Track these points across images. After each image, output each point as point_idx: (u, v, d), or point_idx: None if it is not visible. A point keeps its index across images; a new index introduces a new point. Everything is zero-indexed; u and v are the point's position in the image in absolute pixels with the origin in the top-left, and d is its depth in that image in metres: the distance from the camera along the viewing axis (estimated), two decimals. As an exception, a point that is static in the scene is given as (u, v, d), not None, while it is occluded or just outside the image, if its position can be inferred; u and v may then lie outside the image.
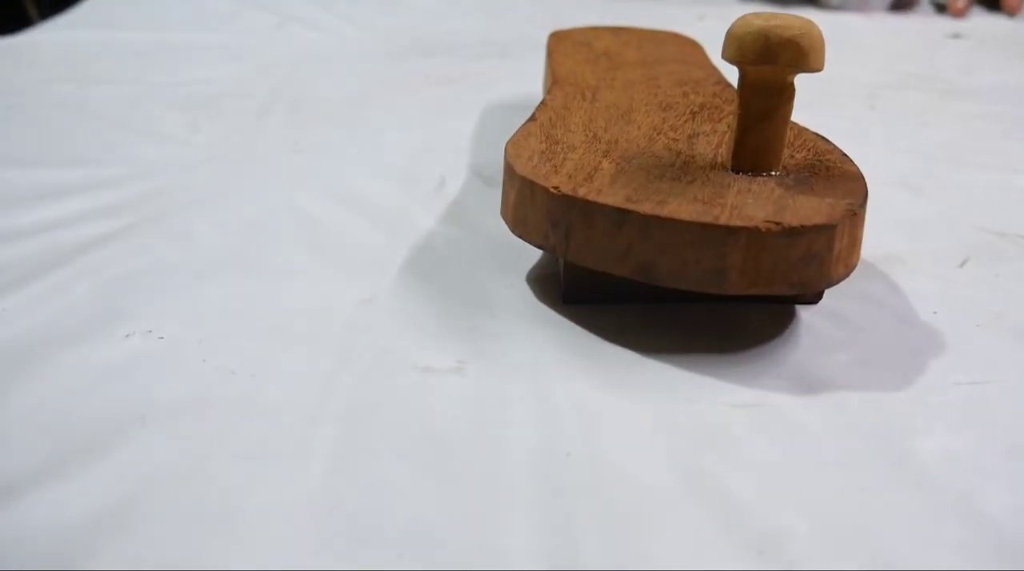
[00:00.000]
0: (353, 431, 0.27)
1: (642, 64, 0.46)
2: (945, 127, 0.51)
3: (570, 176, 0.31)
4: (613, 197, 0.29)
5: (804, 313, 0.33)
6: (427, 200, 0.42)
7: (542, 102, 0.39)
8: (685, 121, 0.37)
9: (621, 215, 0.29)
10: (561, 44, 0.51)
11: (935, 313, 0.33)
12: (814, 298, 0.33)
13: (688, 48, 0.50)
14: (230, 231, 0.39)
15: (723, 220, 0.28)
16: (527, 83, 0.52)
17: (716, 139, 0.35)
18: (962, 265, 0.36)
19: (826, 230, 0.28)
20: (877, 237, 0.36)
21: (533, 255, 0.37)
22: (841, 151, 0.34)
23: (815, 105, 0.53)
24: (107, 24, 0.71)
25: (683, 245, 0.28)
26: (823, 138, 0.35)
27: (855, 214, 0.29)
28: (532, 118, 0.37)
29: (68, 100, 0.54)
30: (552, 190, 0.30)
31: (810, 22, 0.30)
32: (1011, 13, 0.53)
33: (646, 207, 0.29)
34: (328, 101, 0.56)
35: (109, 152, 0.47)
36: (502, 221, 0.33)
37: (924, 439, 0.27)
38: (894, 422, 0.28)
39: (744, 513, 0.24)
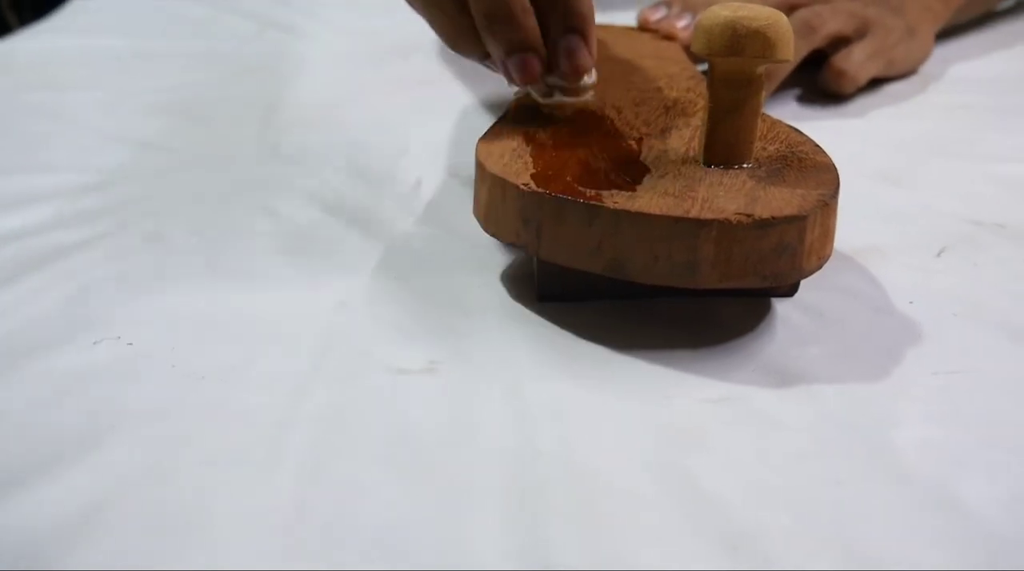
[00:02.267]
0: (324, 434, 0.27)
1: (616, 61, 0.46)
2: (922, 118, 0.51)
3: (541, 173, 0.31)
4: (583, 193, 0.29)
5: (779, 306, 0.33)
6: (403, 202, 0.42)
7: (514, 99, 0.39)
8: (658, 116, 0.36)
9: (591, 211, 0.29)
10: None
11: (911, 303, 0.33)
12: (789, 291, 0.33)
13: (663, 44, 0.50)
14: (204, 237, 0.38)
15: (694, 213, 0.28)
16: (505, 86, 0.51)
17: (689, 133, 0.34)
18: (939, 255, 0.36)
19: (797, 221, 0.28)
20: (853, 229, 0.35)
21: (509, 254, 0.36)
22: (814, 142, 0.34)
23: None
24: (85, 31, 0.71)
25: (654, 239, 0.28)
26: (796, 130, 0.35)
27: (827, 205, 0.29)
28: (503, 116, 0.37)
29: (42, 106, 0.54)
30: (522, 187, 0.30)
31: (777, 13, 0.29)
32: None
33: (616, 202, 0.28)
34: (306, 105, 0.55)
35: (83, 158, 0.47)
36: (478, 222, 0.32)
37: (901, 430, 0.27)
38: (871, 413, 0.27)
39: (719, 509, 0.24)
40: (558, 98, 0.36)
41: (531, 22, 0.35)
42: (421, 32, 0.68)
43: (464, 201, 0.41)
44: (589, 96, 0.37)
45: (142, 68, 0.62)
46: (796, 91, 0.54)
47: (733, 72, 0.30)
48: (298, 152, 0.48)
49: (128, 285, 0.34)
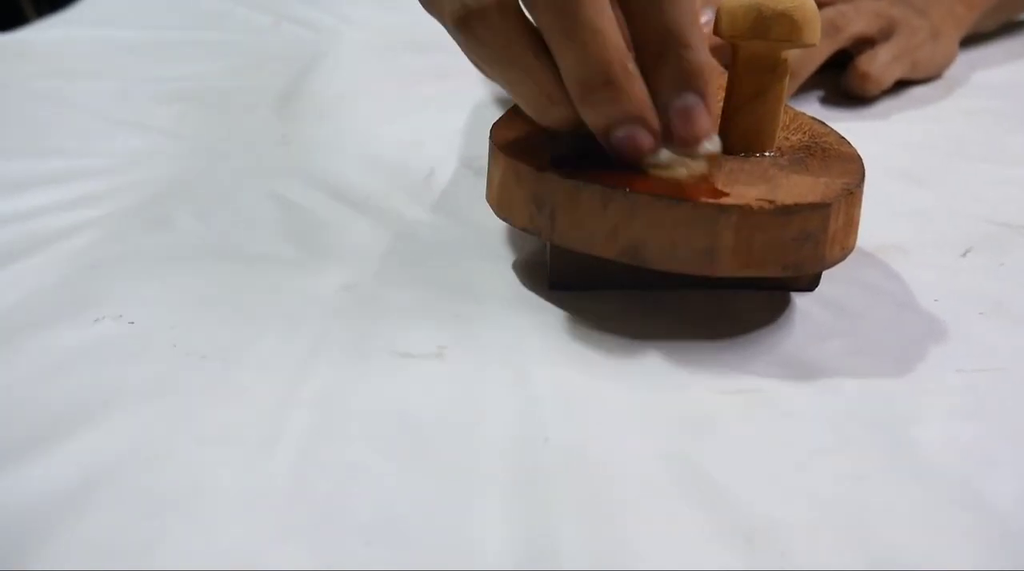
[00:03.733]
0: (325, 417, 0.26)
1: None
2: (949, 121, 0.50)
3: (556, 156, 0.30)
4: (599, 176, 0.28)
5: (799, 300, 0.32)
6: (415, 190, 0.41)
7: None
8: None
9: (607, 194, 0.28)
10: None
11: (936, 301, 0.32)
12: (810, 285, 0.32)
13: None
14: (211, 220, 0.38)
15: (714, 198, 0.27)
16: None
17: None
18: (964, 254, 0.35)
19: (821, 209, 0.27)
20: (876, 227, 0.34)
21: (521, 243, 0.36)
22: (838, 133, 0.33)
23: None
24: (101, 22, 0.71)
25: (672, 225, 0.27)
26: (819, 121, 0.34)
27: (851, 193, 0.28)
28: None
29: (54, 94, 0.54)
30: (537, 169, 0.29)
31: (805, -5, 0.29)
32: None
33: (633, 185, 0.28)
34: (319, 96, 0.55)
35: (91, 143, 0.46)
36: (490, 212, 0.32)
37: (924, 427, 0.26)
38: (893, 409, 0.26)
39: (733, 501, 0.23)
40: (672, 163, 0.29)
41: (637, 88, 0.28)
42: (440, 28, 0.68)
43: (477, 192, 0.41)
44: (704, 164, 0.29)
45: (155, 58, 0.61)
46: (819, 92, 0.54)
47: (757, 56, 0.29)
48: (309, 141, 0.47)
49: (131, 265, 0.34)
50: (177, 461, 0.24)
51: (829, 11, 0.51)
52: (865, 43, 0.52)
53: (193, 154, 0.45)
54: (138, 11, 0.73)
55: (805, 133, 0.33)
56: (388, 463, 0.24)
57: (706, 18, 0.51)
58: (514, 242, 0.36)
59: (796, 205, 0.27)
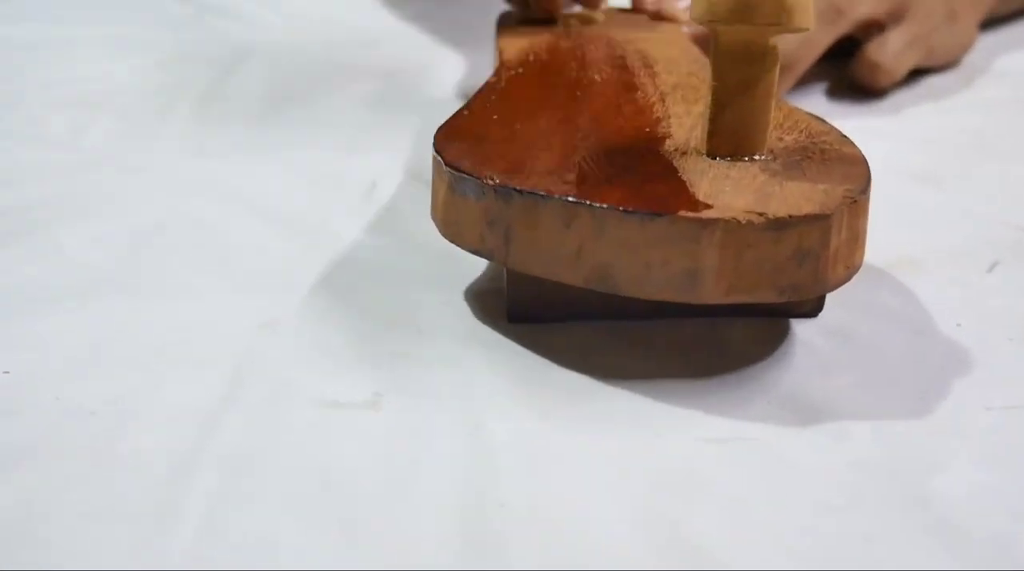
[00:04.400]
0: (234, 481, 0.25)
1: (606, 44, 0.44)
2: (965, 114, 0.50)
3: (510, 165, 0.29)
4: (560, 187, 0.27)
5: (799, 328, 0.31)
6: (353, 207, 0.40)
7: (484, 84, 0.37)
8: (653, 103, 0.35)
9: (569, 209, 0.27)
10: (512, 24, 0.49)
11: (958, 326, 0.31)
12: (811, 310, 0.31)
13: (661, 26, 0.49)
14: (109, 246, 0.37)
15: (694, 211, 0.26)
16: (478, 75, 0.50)
17: (690, 122, 0.33)
18: (990, 269, 0.35)
19: (820, 221, 0.26)
20: (887, 238, 0.34)
21: (476, 267, 0.35)
22: (839, 132, 0.32)
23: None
24: (-6, 18, 0.69)
25: (645, 243, 0.26)
26: (818, 118, 0.33)
27: (855, 202, 0.27)
28: (469, 102, 0.35)
29: (-70, 101, 0.52)
30: (487, 181, 0.28)
31: (795, -27, 0.28)
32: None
33: (600, 198, 0.27)
34: (244, 98, 0.54)
35: (-29, 158, 0.45)
36: None
37: (947, 476, 0.25)
38: (910, 456, 0.26)
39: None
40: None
41: None
42: (386, 21, 0.68)
43: (425, 207, 0.40)
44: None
45: (53, 58, 0.60)
46: (822, 85, 0.53)
47: (741, 43, 0.29)
48: (231, 150, 0.46)
49: (11, 302, 0.33)
50: (54, 540, 0.23)
51: None
52: (873, 28, 0.51)
53: (92, 168, 0.44)
54: (37, 4, 0.72)
55: (801, 132, 0.32)
56: (310, 536, 0.23)
57: (685, 3, 0.50)
58: (468, 266, 0.35)
59: (791, 217, 0.26)
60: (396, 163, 0.45)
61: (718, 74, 0.29)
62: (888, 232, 0.35)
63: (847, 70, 0.52)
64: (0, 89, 0.55)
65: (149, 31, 0.65)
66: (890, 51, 0.51)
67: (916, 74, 0.53)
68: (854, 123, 0.38)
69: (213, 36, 0.65)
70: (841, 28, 0.50)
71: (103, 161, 0.45)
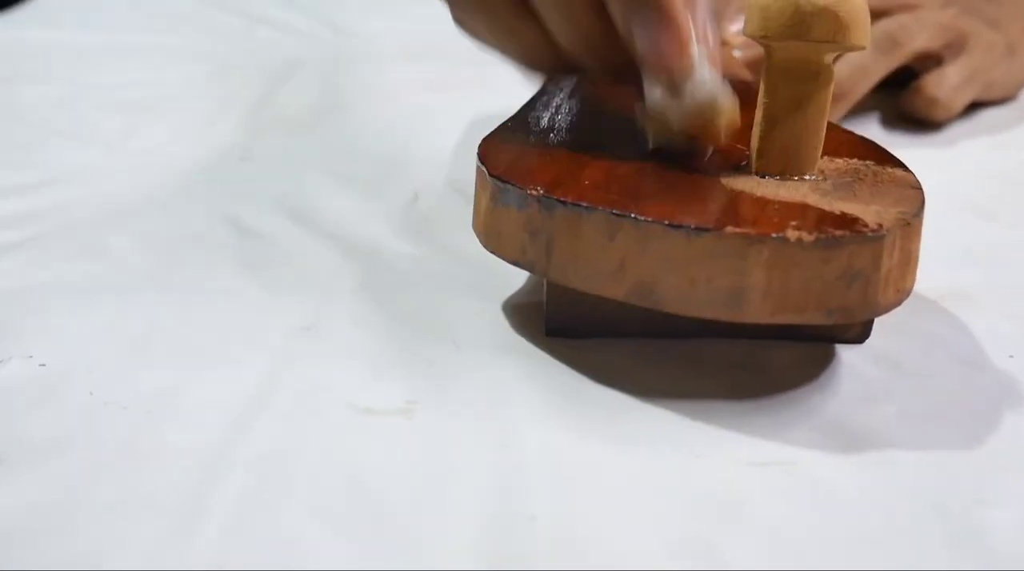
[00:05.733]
0: (263, 482, 0.24)
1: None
2: (1021, 149, 0.49)
3: (554, 176, 0.29)
4: (604, 199, 0.27)
5: (845, 353, 0.30)
6: (395, 217, 0.40)
7: (531, 98, 0.37)
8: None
9: (613, 222, 0.26)
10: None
11: (1011, 357, 0.30)
12: (858, 335, 0.30)
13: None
14: (152, 246, 0.37)
15: (742, 228, 0.25)
16: (525, 91, 0.50)
17: (738, 136, 0.32)
18: (1046, 304, 0.34)
19: (872, 242, 0.25)
20: (940, 269, 0.33)
21: (515, 280, 0.34)
22: (891, 155, 0.32)
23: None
24: (51, 23, 0.70)
25: (690, 259, 0.26)
26: (869, 141, 0.33)
27: (908, 224, 0.26)
28: (515, 115, 0.35)
29: (-12, 100, 0.53)
30: (530, 192, 0.28)
31: (851, -10, 0.27)
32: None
33: (645, 212, 0.26)
34: (292, 108, 0.54)
35: (25, 155, 0.46)
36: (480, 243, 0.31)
37: (997, 510, 0.24)
38: (958, 488, 0.25)
39: (759, 599, 0.21)
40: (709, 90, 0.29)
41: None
42: (430, 34, 0.68)
43: (466, 219, 0.39)
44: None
45: (107, 63, 0.61)
46: (875, 115, 0.52)
47: (795, 60, 0.28)
48: (276, 158, 0.47)
49: (50, 297, 0.33)
50: (80, 531, 0.23)
51: (887, 22, 0.49)
52: (929, 60, 0.50)
53: (136, 170, 0.44)
54: (94, 11, 0.73)
55: (852, 154, 0.31)
56: (336, 541, 0.22)
57: (737, 27, 0.50)
58: (508, 279, 0.34)
59: (842, 236, 0.25)
60: (439, 175, 0.44)
61: (770, 91, 0.29)
62: (940, 264, 0.34)
63: (901, 101, 0.51)
64: (54, 91, 0.55)
65: (201, 41, 0.66)
66: (948, 86, 0.50)
67: (972, 107, 0.52)
68: (908, 154, 0.37)
69: (264, 48, 0.66)
70: (897, 59, 0.49)
71: (151, 164, 0.45)
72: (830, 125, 0.32)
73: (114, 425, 0.26)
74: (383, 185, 0.43)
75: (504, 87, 0.57)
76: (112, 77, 0.58)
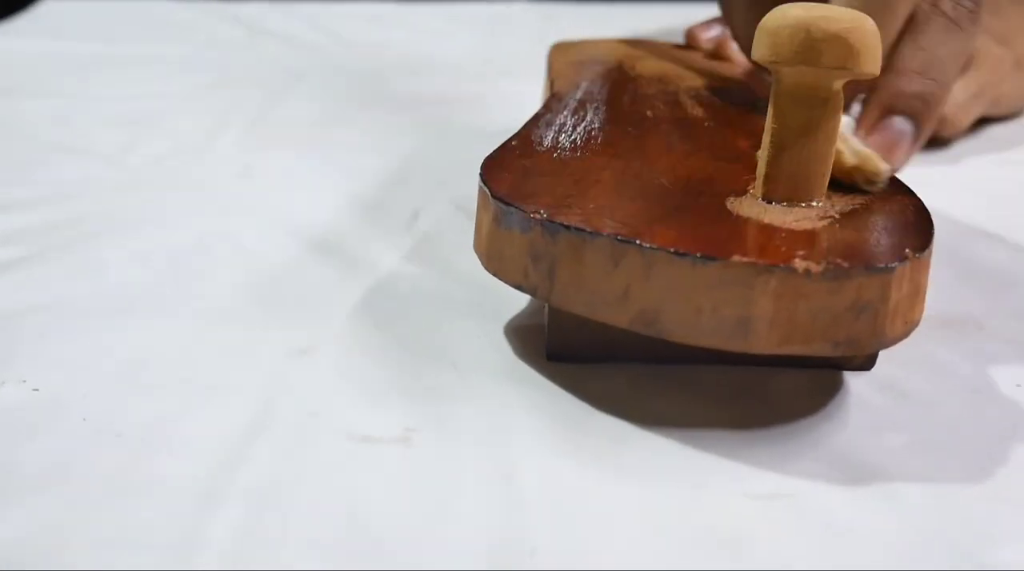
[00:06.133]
0: (259, 515, 0.24)
1: (659, 78, 0.44)
2: (1032, 168, 0.49)
3: (558, 199, 0.28)
4: (609, 225, 0.27)
5: (851, 381, 0.30)
6: (394, 236, 0.40)
7: (534, 115, 0.37)
8: (707, 142, 0.34)
9: (618, 248, 0.26)
10: (564, 55, 0.49)
11: (1019, 386, 0.30)
12: (865, 363, 0.30)
13: (716, 64, 0.48)
14: (148, 265, 0.36)
15: (749, 257, 0.25)
16: (529, 106, 0.50)
17: (745, 164, 0.32)
18: (1054, 329, 0.33)
19: (881, 273, 0.25)
20: (946, 294, 0.33)
21: (517, 303, 0.34)
22: (900, 182, 0.31)
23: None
24: (50, 34, 0.70)
25: (696, 288, 0.25)
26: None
27: (918, 256, 0.26)
28: (518, 133, 0.34)
29: (-15, 113, 0.53)
30: (533, 215, 0.27)
31: (862, 15, 0.27)
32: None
33: (650, 238, 0.26)
34: (293, 122, 0.54)
35: (19, 171, 0.45)
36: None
37: (1009, 548, 0.24)
38: (968, 523, 0.24)
39: (764, 641, 0.21)
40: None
41: None
42: (433, 47, 0.68)
43: (467, 238, 0.39)
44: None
45: (107, 75, 0.61)
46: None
47: (804, 86, 0.28)
48: (275, 174, 0.46)
49: (44, 319, 0.32)
50: (70, 568, 0.22)
51: None
52: None
53: (135, 186, 0.44)
54: (93, 22, 0.73)
55: (861, 180, 0.31)
56: (333, 577, 0.22)
57: (713, 32, 0.49)
58: (509, 300, 0.34)
59: (850, 268, 0.25)
60: (440, 193, 0.44)
61: (778, 116, 0.28)
62: (945, 287, 0.34)
63: None
64: (52, 104, 0.55)
65: (201, 53, 0.66)
66: (955, 102, 0.49)
67: (978, 123, 0.52)
68: (913, 171, 0.37)
69: (264, 59, 0.65)
70: None
71: (150, 179, 0.45)
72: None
73: (108, 454, 0.26)
74: (383, 202, 0.43)
75: (507, 101, 0.57)
76: (112, 89, 0.58)
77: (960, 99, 0.49)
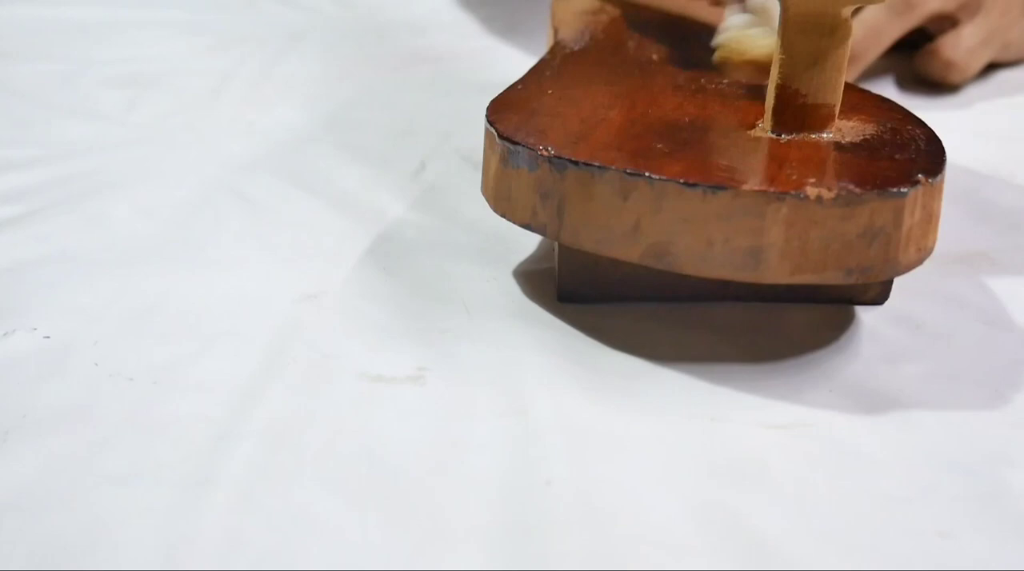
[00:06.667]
0: (273, 452, 0.24)
1: (663, 24, 0.43)
2: (1041, 110, 0.48)
3: (565, 136, 0.28)
4: (618, 159, 0.26)
5: (865, 315, 0.30)
6: (401, 186, 0.39)
7: (539, 61, 0.36)
8: (715, 79, 0.34)
9: (628, 181, 0.26)
10: (566, 4, 0.48)
11: (1033, 317, 0.30)
12: (878, 297, 0.30)
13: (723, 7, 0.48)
14: (155, 217, 0.36)
15: (759, 186, 0.25)
16: (533, 62, 0.49)
17: (753, 99, 0.31)
18: (1067, 263, 0.33)
19: (893, 198, 0.25)
20: (960, 231, 0.32)
21: (525, 247, 0.34)
22: (912, 114, 0.31)
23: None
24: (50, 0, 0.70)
25: (707, 219, 0.25)
26: (889, 100, 0.32)
27: (931, 180, 0.26)
28: (523, 78, 0.34)
29: (-13, 76, 0.52)
30: (541, 151, 0.27)
31: (869, -57, 0.27)
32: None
33: (659, 171, 0.26)
34: (296, 79, 0.53)
35: (25, 131, 0.45)
36: (489, 210, 0.30)
37: (1021, 470, 0.24)
38: (983, 449, 0.24)
39: (783, 567, 0.21)
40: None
41: None
42: (434, 4, 0.67)
43: (474, 187, 0.39)
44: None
45: (108, 38, 0.60)
46: (890, 77, 0.51)
47: (812, 14, 0.27)
48: (280, 128, 0.46)
49: (54, 269, 0.32)
50: (85, 503, 0.22)
51: None
52: (944, 21, 0.50)
53: (141, 143, 0.44)
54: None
55: (871, 111, 0.31)
56: (349, 511, 0.22)
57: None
58: (518, 246, 0.34)
59: (862, 193, 0.25)
60: (446, 145, 0.44)
61: (786, 46, 0.28)
62: (959, 224, 0.34)
63: (917, 64, 0.50)
64: (56, 67, 0.55)
65: (203, 14, 0.65)
66: (964, 48, 0.49)
67: (988, 68, 0.52)
68: (924, 117, 0.36)
69: (266, 20, 0.65)
70: (911, 21, 0.49)
71: (153, 137, 0.45)
72: (849, 86, 0.31)
73: (120, 397, 0.26)
74: (389, 154, 0.43)
75: (511, 58, 0.56)
76: (113, 52, 0.57)
77: (969, 44, 0.49)
